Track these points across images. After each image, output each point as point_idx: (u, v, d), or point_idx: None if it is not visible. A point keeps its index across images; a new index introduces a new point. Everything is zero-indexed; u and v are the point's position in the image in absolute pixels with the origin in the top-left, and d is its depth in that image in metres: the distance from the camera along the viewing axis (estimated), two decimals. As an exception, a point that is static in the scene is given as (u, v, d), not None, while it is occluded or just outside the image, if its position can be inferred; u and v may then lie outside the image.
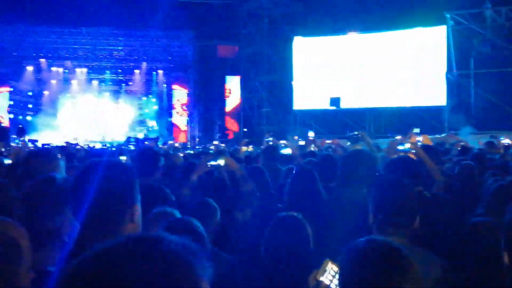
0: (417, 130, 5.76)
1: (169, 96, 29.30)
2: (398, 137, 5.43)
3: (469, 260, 2.96)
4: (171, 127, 29.27)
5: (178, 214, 2.78)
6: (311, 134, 11.80)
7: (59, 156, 3.14)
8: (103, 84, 29.07)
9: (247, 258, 3.03)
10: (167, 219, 2.58)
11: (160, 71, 28.99)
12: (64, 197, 2.03)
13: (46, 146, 14.85)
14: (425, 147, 5.52)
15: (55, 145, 14.20)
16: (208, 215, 3.16)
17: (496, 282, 2.52)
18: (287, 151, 4.67)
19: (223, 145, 17.15)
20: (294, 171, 4.01)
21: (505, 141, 8.29)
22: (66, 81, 28.71)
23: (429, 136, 8.02)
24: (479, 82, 19.53)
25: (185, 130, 28.48)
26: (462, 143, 9.24)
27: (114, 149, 12.88)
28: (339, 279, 1.60)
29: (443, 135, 16.71)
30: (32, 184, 2.18)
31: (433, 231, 2.96)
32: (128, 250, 0.84)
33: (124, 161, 1.92)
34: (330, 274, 1.60)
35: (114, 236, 1.60)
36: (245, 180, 4.20)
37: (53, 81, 28.42)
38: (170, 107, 29.30)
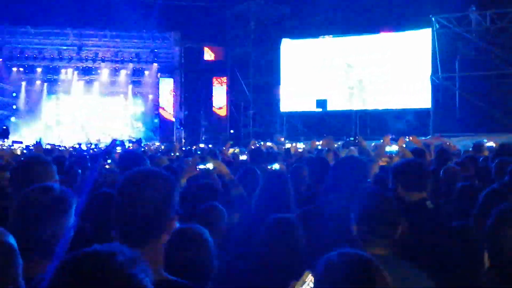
0: (389, 136, 5.78)
1: (156, 96, 29.12)
2: (383, 140, 5.41)
3: (449, 264, 2.98)
4: (157, 128, 29.12)
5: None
6: (253, 142, 11.79)
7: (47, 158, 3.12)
8: (89, 85, 28.83)
9: (236, 260, 3.02)
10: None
11: (147, 72, 28.85)
12: (60, 208, 2.05)
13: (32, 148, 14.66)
14: (417, 150, 5.53)
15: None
16: (217, 219, 3.15)
17: (477, 284, 2.54)
18: (275, 167, 4.63)
19: (210, 145, 17.12)
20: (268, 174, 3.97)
21: (489, 143, 8.34)
22: (51, 82, 28.45)
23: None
24: (463, 85, 19.69)
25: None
26: (448, 144, 9.30)
27: (96, 149, 12.79)
28: None
29: (428, 137, 16.83)
30: (28, 193, 2.15)
31: (421, 240, 2.96)
32: (80, 266, 0.96)
33: (162, 171, 1.91)
34: (308, 286, 1.60)
35: (153, 246, 1.71)
36: (235, 184, 4.17)
37: (38, 82, 28.15)
38: (157, 108, 29.15)
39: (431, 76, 20.46)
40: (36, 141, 13.82)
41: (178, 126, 27.69)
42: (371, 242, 2.37)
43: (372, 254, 2.35)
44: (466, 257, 2.94)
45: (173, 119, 27.88)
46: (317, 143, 9.51)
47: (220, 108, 27.64)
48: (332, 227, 2.97)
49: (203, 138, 26.29)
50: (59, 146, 15.23)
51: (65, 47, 27.77)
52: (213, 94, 27.77)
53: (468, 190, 4.12)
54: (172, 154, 10.06)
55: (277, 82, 24.17)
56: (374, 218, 2.40)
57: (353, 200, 2.59)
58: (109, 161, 5.56)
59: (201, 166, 4.28)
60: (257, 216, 3.39)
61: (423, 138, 14.83)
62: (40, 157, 3.14)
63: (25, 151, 12.29)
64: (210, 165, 4.26)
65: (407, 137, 6.87)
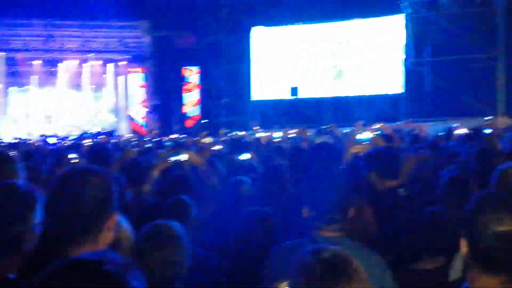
0: (361, 123, 5.81)
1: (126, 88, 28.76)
2: (353, 128, 5.42)
3: (425, 250, 2.99)
4: (127, 120, 28.78)
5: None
6: (222, 131, 11.83)
7: (13, 153, 3.08)
8: (57, 76, 28.24)
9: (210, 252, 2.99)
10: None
11: (118, 63, 28.40)
12: (26, 205, 2.03)
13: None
14: (385, 136, 5.54)
15: (6, 142, 13.70)
16: (185, 213, 3.10)
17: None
18: (245, 157, 4.59)
19: (182, 136, 16.96)
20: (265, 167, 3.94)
21: (461, 130, 8.45)
22: (17, 74, 27.78)
23: (386, 124, 8.08)
24: (434, 70, 19.91)
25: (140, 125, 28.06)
26: (418, 130, 9.40)
27: (65, 143, 12.55)
28: None
29: (400, 122, 17.01)
30: None
31: (394, 227, 2.95)
32: (70, 274, 0.92)
33: (101, 168, 1.89)
34: None
35: (90, 244, 1.67)
36: (209, 175, 4.13)
37: (3, 75, 27.46)
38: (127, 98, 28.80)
39: (403, 61, 20.62)
40: None
41: (152, 112, 27.45)
42: (321, 227, 2.35)
43: (323, 236, 2.32)
44: (437, 243, 2.94)
45: (142, 129, 27.55)
46: (290, 131, 9.48)
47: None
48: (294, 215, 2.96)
49: (175, 129, 26.07)
50: (25, 140, 14.86)
51: (31, 38, 27.11)
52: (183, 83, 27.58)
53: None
54: (140, 146, 9.92)
55: (249, 71, 24.07)
56: (325, 202, 2.37)
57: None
58: (74, 155, 5.42)
59: (173, 158, 4.22)
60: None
61: (396, 123, 15.01)
62: (2, 154, 3.08)
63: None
64: (183, 156, 4.20)
65: (377, 124, 6.91)
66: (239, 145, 6.48)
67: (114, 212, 1.76)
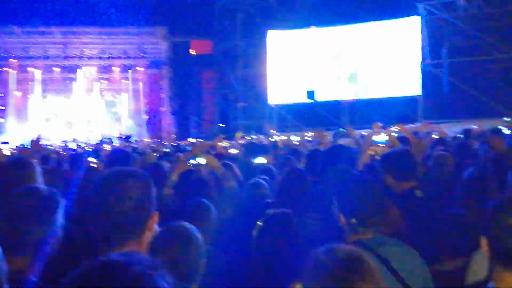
0: (379, 124, 5.80)
1: (144, 92, 28.94)
2: (370, 130, 5.41)
3: (445, 251, 2.98)
4: (146, 124, 28.97)
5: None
6: (238, 134, 11.80)
7: (34, 161, 3.13)
8: (76, 83, 28.57)
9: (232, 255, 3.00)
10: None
11: (136, 68, 28.64)
12: (48, 208, 2.08)
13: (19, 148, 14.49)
14: (402, 138, 5.52)
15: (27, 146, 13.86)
16: (206, 215, 3.11)
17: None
18: (260, 160, 4.59)
19: (200, 140, 17.02)
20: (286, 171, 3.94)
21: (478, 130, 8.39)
22: (37, 82, 28.17)
23: (404, 126, 8.03)
24: (452, 72, 19.73)
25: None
26: (437, 132, 9.31)
27: (88, 149, 12.69)
28: None
29: (417, 124, 16.87)
30: (16, 194, 2.18)
31: (414, 228, 2.95)
32: (98, 275, 0.93)
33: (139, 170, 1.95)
34: None
35: (134, 244, 1.71)
36: (227, 178, 4.14)
37: (24, 82, 27.86)
38: (147, 104, 29.00)
39: (420, 63, 20.47)
40: (32, 139, 13.64)
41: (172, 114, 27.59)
42: (360, 231, 2.38)
43: (361, 238, 2.34)
44: (459, 243, 2.94)
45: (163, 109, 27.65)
46: (307, 134, 9.47)
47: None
48: (320, 218, 2.95)
49: (192, 133, 26.20)
50: (46, 145, 15.04)
51: (50, 45, 27.48)
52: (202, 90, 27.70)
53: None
54: (159, 151, 10.00)
55: (266, 74, 24.08)
56: (362, 206, 2.39)
57: (334, 189, 2.58)
58: (93, 159, 5.50)
59: (192, 161, 4.25)
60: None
61: (413, 125, 14.88)
62: (23, 159, 3.13)
63: (14, 151, 12.16)
64: (201, 160, 4.23)
65: (394, 126, 6.87)
66: (256, 149, 6.49)
67: (155, 212, 1.80)
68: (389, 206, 2.49)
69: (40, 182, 2.86)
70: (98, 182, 1.80)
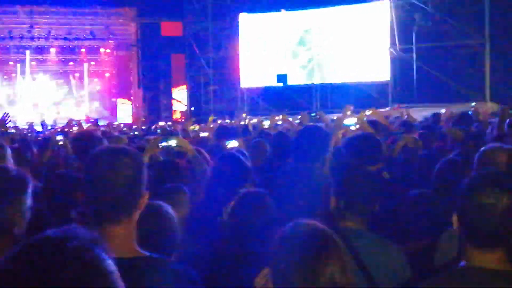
0: (350, 107, 5.83)
1: (112, 74, 28.50)
2: (341, 114, 5.44)
3: (411, 232, 3.03)
4: (114, 108, 28.59)
5: None
6: (211, 118, 11.84)
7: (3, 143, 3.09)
8: (42, 64, 27.96)
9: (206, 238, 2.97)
10: None
11: (102, 50, 28.14)
12: (18, 188, 2.05)
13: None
14: (372, 122, 5.56)
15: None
16: (180, 200, 3.08)
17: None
18: (233, 144, 4.56)
19: (170, 123, 16.90)
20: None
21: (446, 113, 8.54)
22: (1, 62, 27.47)
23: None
24: (421, 56, 19.97)
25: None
26: (406, 116, 9.44)
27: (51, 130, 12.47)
28: (269, 268, 1.62)
29: (387, 108, 17.09)
30: None
31: (383, 212, 2.98)
32: (33, 253, 0.89)
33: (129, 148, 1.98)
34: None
35: (125, 223, 1.72)
36: (198, 161, 4.10)
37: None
38: (115, 86, 28.58)
39: (389, 48, 20.65)
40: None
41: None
42: (346, 216, 2.42)
43: (345, 226, 2.37)
44: (427, 222, 2.99)
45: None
46: (277, 117, 9.49)
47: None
48: (298, 196, 2.97)
49: (163, 116, 25.97)
50: (12, 127, 14.70)
51: (16, 26, 26.74)
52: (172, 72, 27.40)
53: (425, 160, 4.19)
54: (128, 134, 9.87)
55: (237, 58, 23.96)
56: (354, 193, 2.44)
57: (330, 172, 2.62)
58: (60, 137, 5.40)
59: (163, 144, 4.20)
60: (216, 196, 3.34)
61: (383, 109, 15.07)
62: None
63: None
64: (172, 142, 4.19)
65: (367, 110, 6.91)
66: (226, 132, 6.45)
67: (146, 191, 1.79)
68: (378, 197, 2.53)
69: (10, 164, 2.81)
70: (89, 160, 1.78)
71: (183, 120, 21.76)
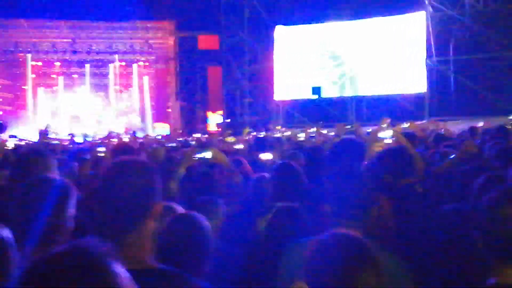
0: (388, 119, 5.82)
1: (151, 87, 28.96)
2: (376, 127, 5.44)
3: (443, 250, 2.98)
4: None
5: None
6: (245, 130, 12.00)
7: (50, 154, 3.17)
8: (83, 77, 28.68)
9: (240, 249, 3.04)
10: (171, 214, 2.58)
11: (141, 63, 28.69)
12: (62, 198, 2.12)
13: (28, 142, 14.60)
14: (409, 134, 5.54)
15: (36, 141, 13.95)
16: (215, 212, 3.13)
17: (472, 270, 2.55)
18: (266, 156, 4.59)
19: (205, 136, 17.07)
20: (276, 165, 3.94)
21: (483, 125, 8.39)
22: (45, 75, 28.32)
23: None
24: (458, 69, 19.67)
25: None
26: (443, 130, 9.34)
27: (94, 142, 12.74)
28: (304, 279, 1.59)
29: (424, 121, 16.85)
30: (31, 182, 2.22)
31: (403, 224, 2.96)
32: (55, 264, 0.93)
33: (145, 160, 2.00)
34: None
35: (138, 232, 1.74)
36: (234, 173, 4.15)
37: (32, 75, 28.01)
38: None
39: (425, 60, 20.41)
40: (40, 130, 13.74)
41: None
42: (342, 224, 2.30)
43: None
44: (459, 239, 2.95)
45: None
46: (310, 130, 9.52)
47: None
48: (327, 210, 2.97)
49: (198, 129, 26.23)
50: (53, 138, 15.14)
51: (58, 40, 27.58)
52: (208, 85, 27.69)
53: (460, 174, 4.13)
54: (166, 146, 10.04)
55: (272, 70, 24.05)
56: (343, 199, 2.36)
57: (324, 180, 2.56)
58: (102, 148, 5.56)
59: (199, 155, 4.26)
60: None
61: (419, 122, 14.88)
62: (40, 150, 3.18)
63: (21, 142, 12.26)
64: (208, 154, 4.25)
65: (405, 123, 6.88)
66: (262, 144, 6.51)
67: (159, 201, 1.81)
68: (379, 202, 2.45)
69: (55, 174, 2.88)
70: (102, 172, 1.83)
71: (219, 130, 21.92)
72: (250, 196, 4.10)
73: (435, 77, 20.50)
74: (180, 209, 2.69)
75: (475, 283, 2.19)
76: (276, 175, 3.68)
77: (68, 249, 0.96)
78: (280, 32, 23.83)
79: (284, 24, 23.70)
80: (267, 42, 24.21)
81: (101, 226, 1.76)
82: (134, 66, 28.71)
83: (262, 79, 24.96)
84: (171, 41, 27.97)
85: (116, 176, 1.76)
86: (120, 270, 0.96)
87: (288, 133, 12.05)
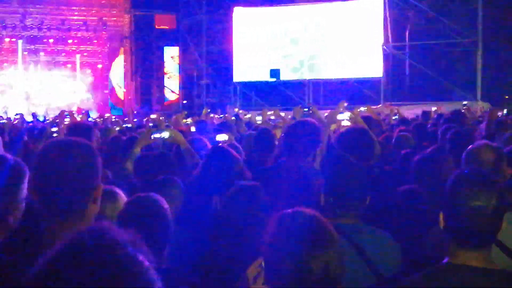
0: (344, 103, 5.87)
1: (104, 66, 28.33)
2: (338, 106, 5.47)
3: (405, 228, 3.04)
4: (106, 99, 28.42)
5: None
6: (205, 111, 11.94)
7: None
8: (35, 54, 27.72)
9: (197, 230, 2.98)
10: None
11: (95, 41, 27.95)
12: (14, 178, 1.99)
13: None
14: (366, 118, 5.59)
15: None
16: (173, 192, 3.05)
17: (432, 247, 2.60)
18: (222, 137, 4.56)
19: (162, 117, 16.81)
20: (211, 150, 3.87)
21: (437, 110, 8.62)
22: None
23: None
24: (414, 54, 20.04)
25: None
26: (397, 113, 9.51)
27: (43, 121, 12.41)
28: (263, 254, 1.61)
29: (378, 105, 17.15)
30: None
31: (376, 206, 3.00)
32: (72, 253, 0.88)
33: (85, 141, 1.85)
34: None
35: (78, 217, 1.66)
36: (191, 154, 4.09)
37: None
38: (106, 78, 28.40)
39: (382, 45, 20.69)
40: None
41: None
42: (338, 213, 2.39)
43: (341, 223, 2.35)
44: (413, 219, 3.01)
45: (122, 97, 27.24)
46: (269, 112, 9.52)
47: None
48: (292, 190, 2.97)
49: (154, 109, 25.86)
50: (1, 117, 14.61)
51: (7, 15, 26.49)
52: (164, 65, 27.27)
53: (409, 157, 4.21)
54: (121, 126, 9.85)
55: (231, 52, 23.90)
56: (342, 188, 2.40)
57: (321, 168, 2.59)
58: (55, 129, 5.39)
59: (156, 135, 4.19)
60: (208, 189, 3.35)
61: (374, 106, 15.12)
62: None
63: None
64: (165, 134, 4.18)
65: (361, 107, 6.96)
66: (219, 126, 6.47)
67: (100, 184, 1.74)
68: (368, 193, 2.50)
69: (1, 152, 2.77)
70: (38, 154, 1.74)
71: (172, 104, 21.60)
72: (203, 172, 4.03)
73: (391, 62, 20.85)
74: (120, 193, 2.59)
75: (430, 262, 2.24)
76: (208, 159, 3.60)
77: (90, 235, 0.91)
78: (239, 13, 23.65)
79: (243, 5, 23.52)
80: (226, 23, 23.99)
81: (44, 209, 1.69)
82: (88, 44, 27.93)
83: (220, 61, 24.77)
84: (126, 19, 27.31)
85: (51, 158, 1.67)
86: (145, 260, 0.92)
87: (248, 115, 12.02)
